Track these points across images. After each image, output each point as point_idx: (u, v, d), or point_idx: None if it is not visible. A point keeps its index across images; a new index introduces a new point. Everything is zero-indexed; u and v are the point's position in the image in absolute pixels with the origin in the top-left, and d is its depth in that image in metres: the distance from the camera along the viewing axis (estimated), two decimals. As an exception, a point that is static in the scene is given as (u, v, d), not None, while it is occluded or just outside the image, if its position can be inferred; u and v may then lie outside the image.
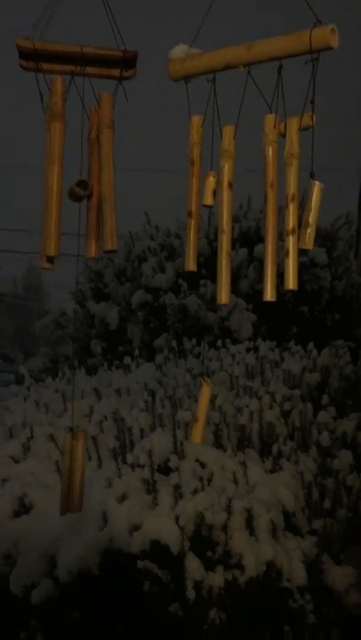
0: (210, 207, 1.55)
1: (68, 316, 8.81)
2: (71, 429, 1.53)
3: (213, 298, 7.09)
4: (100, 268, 7.72)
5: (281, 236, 1.40)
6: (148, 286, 7.16)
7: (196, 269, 1.57)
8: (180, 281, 6.91)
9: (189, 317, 6.64)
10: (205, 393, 1.63)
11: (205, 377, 1.70)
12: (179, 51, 1.51)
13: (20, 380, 6.73)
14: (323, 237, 6.82)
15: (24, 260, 32.60)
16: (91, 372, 6.24)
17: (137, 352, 5.97)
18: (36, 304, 31.03)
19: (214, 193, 1.52)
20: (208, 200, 1.54)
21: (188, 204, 1.56)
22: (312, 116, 1.39)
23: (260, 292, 5.45)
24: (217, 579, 3.03)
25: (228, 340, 5.73)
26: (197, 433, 1.62)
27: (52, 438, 3.91)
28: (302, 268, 5.82)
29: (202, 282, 6.70)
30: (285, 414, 3.99)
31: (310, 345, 5.02)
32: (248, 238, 6.85)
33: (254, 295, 6.40)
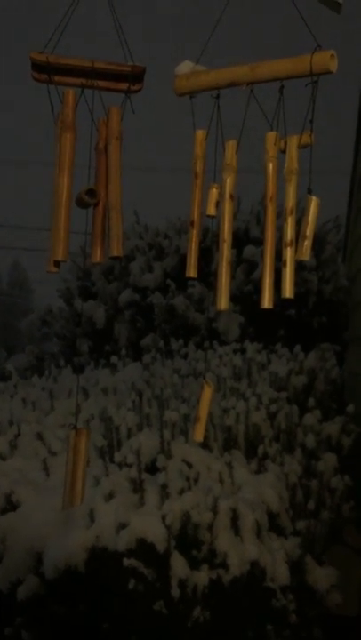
0: (212, 217, 1.61)
1: (54, 314, 8.81)
2: (75, 427, 1.59)
3: (202, 299, 7.13)
4: (88, 266, 7.74)
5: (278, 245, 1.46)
6: (135, 285, 7.20)
7: (196, 276, 1.63)
8: (169, 281, 6.96)
9: (177, 318, 6.69)
10: (207, 394, 1.70)
11: (206, 379, 1.76)
12: (184, 67, 1.55)
13: (2, 378, 6.72)
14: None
15: (9, 256, 32.51)
16: (77, 370, 6.26)
17: (124, 351, 6.01)
18: (20, 301, 30.93)
19: (217, 204, 1.57)
20: (211, 211, 1.60)
21: (190, 215, 1.61)
22: (311, 135, 1.45)
23: (249, 294, 5.48)
24: (202, 577, 3.07)
25: (215, 342, 5.78)
26: (200, 432, 1.69)
27: (39, 436, 3.93)
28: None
29: (190, 283, 6.75)
30: (271, 416, 4.04)
31: (297, 347, 5.09)
32: (236, 239, 6.91)
33: (242, 297, 6.46)
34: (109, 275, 7.62)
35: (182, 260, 6.94)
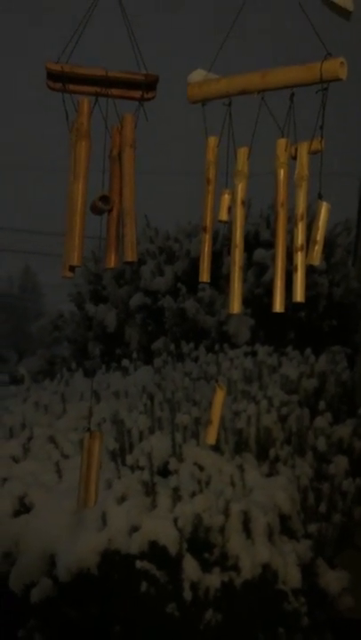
0: (225, 223, 1.63)
1: (66, 318, 8.84)
2: (90, 430, 1.62)
3: (212, 302, 7.13)
4: (99, 270, 7.77)
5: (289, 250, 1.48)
6: (146, 289, 7.21)
7: (209, 281, 1.66)
8: (179, 284, 6.97)
9: (187, 321, 6.70)
10: (220, 397, 1.72)
11: (219, 382, 1.79)
12: (197, 75, 1.58)
13: (14, 381, 6.76)
14: (321, 244, 6.88)
15: (21, 260, 32.70)
16: (88, 373, 6.29)
17: (135, 355, 6.03)
18: (31, 305, 31.07)
19: (229, 209, 1.59)
20: (223, 216, 1.62)
21: (203, 220, 1.63)
22: (321, 141, 1.47)
23: (259, 297, 5.47)
24: (213, 580, 3.08)
25: (225, 345, 5.79)
26: (212, 435, 1.71)
27: (51, 439, 3.96)
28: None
29: (200, 286, 6.76)
30: (282, 419, 4.05)
31: (308, 351, 5.09)
32: (247, 243, 6.90)
33: (253, 300, 6.46)
34: (120, 279, 7.65)
35: (193, 264, 6.95)
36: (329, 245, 6.97)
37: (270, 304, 1.51)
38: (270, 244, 6.82)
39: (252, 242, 6.86)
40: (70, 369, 6.08)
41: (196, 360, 5.79)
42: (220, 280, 6.69)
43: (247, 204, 1.53)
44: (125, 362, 5.70)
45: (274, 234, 1.50)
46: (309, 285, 6.54)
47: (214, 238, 1.70)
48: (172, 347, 6.26)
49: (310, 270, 6.99)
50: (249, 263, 6.78)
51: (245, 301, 6.70)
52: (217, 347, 5.70)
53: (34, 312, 27.40)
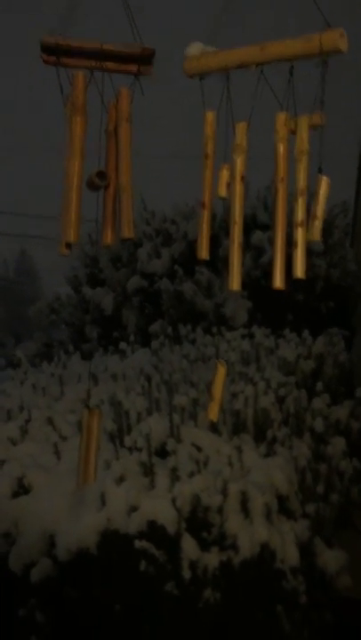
0: (223, 199, 1.61)
1: (62, 301, 8.82)
2: (88, 407, 1.62)
3: (209, 284, 7.11)
4: (96, 253, 7.74)
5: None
6: (143, 272, 7.20)
7: (208, 258, 1.64)
8: (176, 267, 6.95)
9: (185, 303, 6.69)
10: (221, 374, 1.72)
11: (220, 359, 1.78)
12: (194, 49, 1.55)
13: (11, 364, 6.75)
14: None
15: (16, 244, 32.56)
16: (85, 356, 6.29)
17: (132, 338, 6.02)
18: (27, 288, 30.99)
19: (228, 185, 1.58)
20: (222, 192, 1.60)
21: (202, 196, 1.61)
22: (321, 116, 1.45)
23: (257, 280, 5.47)
24: (212, 559, 3.10)
25: (223, 327, 5.79)
26: (214, 411, 1.71)
27: (49, 421, 3.96)
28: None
29: (198, 269, 6.74)
30: (280, 400, 4.06)
31: (305, 332, 5.09)
32: (244, 225, 6.86)
33: (250, 282, 6.45)
34: (117, 261, 7.62)
35: (190, 246, 6.93)
36: (327, 227, 6.96)
37: (269, 286, 1.50)
38: (268, 227, 6.80)
39: (250, 224, 6.83)
40: (68, 352, 6.08)
41: (193, 342, 5.79)
42: (217, 262, 6.68)
43: (246, 181, 1.50)
44: (123, 345, 5.70)
45: (273, 210, 1.49)
46: (307, 267, 6.56)
47: (212, 220, 1.68)
48: (170, 329, 6.25)
49: (308, 252, 7.02)
50: (246, 246, 6.76)
51: (243, 284, 6.67)
52: (214, 329, 5.69)
53: (30, 296, 27.32)
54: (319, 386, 4.28)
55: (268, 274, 1.50)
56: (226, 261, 1.55)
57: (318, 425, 3.91)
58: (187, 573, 3.04)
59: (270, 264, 1.49)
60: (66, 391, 4.50)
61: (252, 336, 5.33)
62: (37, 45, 1.45)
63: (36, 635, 3.19)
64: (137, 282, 7.18)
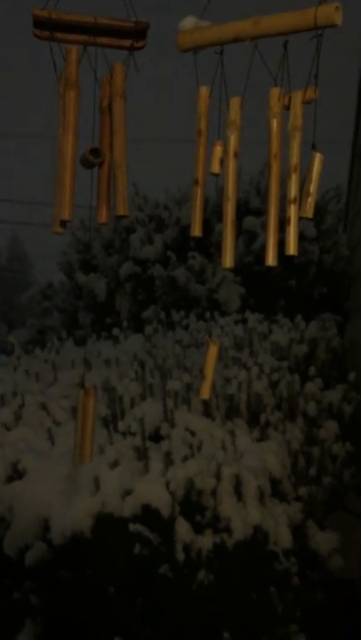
0: (217, 175, 1.60)
1: (55, 288, 8.80)
2: (83, 387, 1.61)
3: (202, 270, 7.09)
4: (88, 239, 7.72)
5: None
6: (136, 258, 7.18)
7: (201, 235, 1.63)
8: (169, 253, 6.94)
9: (178, 289, 6.69)
10: (213, 352, 1.71)
11: (212, 338, 1.77)
12: (188, 22, 1.54)
13: (4, 351, 6.74)
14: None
15: (7, 231, 32.41)
16: (78, 342, 6.29)
17: (125, 323, 6.02)
18: (20, 275, 30.89)
19: (221, 162, 1.57)
20: (215, 168, 1.59)
21: (195, 173, 1.60)
22: (315, 90, 1.44)
23: (249, 265, 5.45)
24: (206, 542, 3.12)
25: (216, 313, 5.79)
26: (206, 390, 1.71)
27: (43, 406, 3.96)
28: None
29: (190, 254, 6.73)
30: (273, 385, 4.07)
31: (298, 318, 5.10)
32: (237, 211, 6.86)
33: (243, 268, 6.45)
34: (110, 247, 7.60)
35: (183, 232, 6.91)
36: (319, 212, 6.96)
37: (261, 272, 1.49)
38: (260, 212, 6.78)
39: (242, 209, 6.82)
40: (61, 338, 6.07)
41: (186, 328, 5.80)
42: (210, 247, 6.67)
43: (239, 157, 1.49)
44: (116, 330, 5.70)
45: (267, 187, 1.48)
46: (300, 252, 6.57)
47: (203, 205, 1.67)
48: (163, 315, 6.25)
49: (300, 237, 7.01)
50: (239, 231, 6.75)
51: (235, 269, 6.68)
52: (207, 315, 5.70)
53: (23, 283, 27.25)
54: (312, 370, 4.29)
55: (260, 259, 1.50)
56: (219, 246, 1.54)
57: (311, 409, 3.92)
58: (181, 556, 3.06)
59: (263, 246, 1.48)
60: (59, 377, 4.49)
61: (245, 321, 5.33)
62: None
63: (30, 617, 3.20)
64: (130, 268, 7.16)
